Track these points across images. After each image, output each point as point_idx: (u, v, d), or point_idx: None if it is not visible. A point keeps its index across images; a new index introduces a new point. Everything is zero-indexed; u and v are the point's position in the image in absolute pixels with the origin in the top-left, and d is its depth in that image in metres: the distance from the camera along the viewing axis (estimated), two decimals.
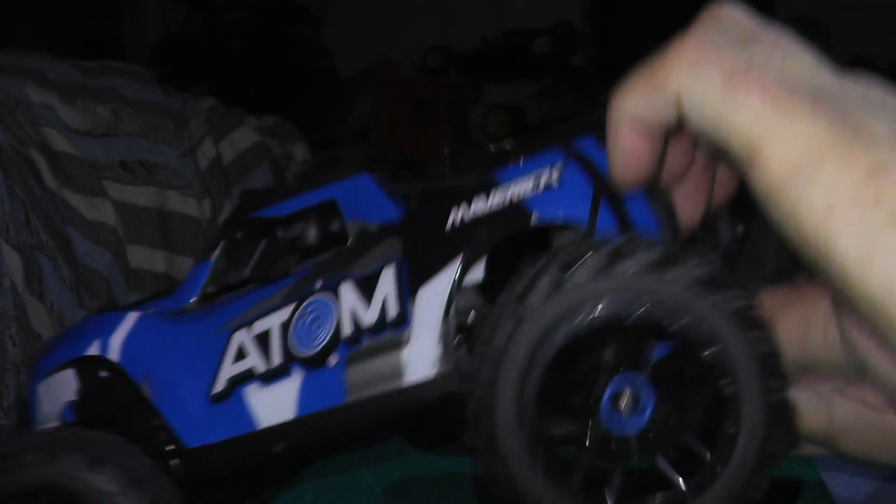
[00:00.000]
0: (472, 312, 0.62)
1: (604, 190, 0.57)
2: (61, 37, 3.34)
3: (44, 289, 1.29)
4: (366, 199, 0.64)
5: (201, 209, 1.73)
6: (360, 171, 0.65)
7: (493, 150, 1.08)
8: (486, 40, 3.40)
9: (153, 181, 1.65)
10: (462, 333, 0.61)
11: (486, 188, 0.59)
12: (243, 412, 0.62)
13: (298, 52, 3.51)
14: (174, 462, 0.65)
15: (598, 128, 0.57)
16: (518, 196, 0.58)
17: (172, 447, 0.64)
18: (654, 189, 0.56)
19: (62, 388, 0.69)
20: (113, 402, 0.69)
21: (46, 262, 1.32)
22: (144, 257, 1.60)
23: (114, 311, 0.68)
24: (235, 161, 1.91)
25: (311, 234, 0.69)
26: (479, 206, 0.59)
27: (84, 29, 3.56)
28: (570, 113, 2.85)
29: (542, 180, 0.58)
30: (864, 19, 3.02)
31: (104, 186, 1.54)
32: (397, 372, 0.59)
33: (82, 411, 0.69)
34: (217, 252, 0.67)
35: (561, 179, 0.58)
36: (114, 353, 0.65)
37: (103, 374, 0.68)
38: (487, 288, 0.62)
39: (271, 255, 0.70)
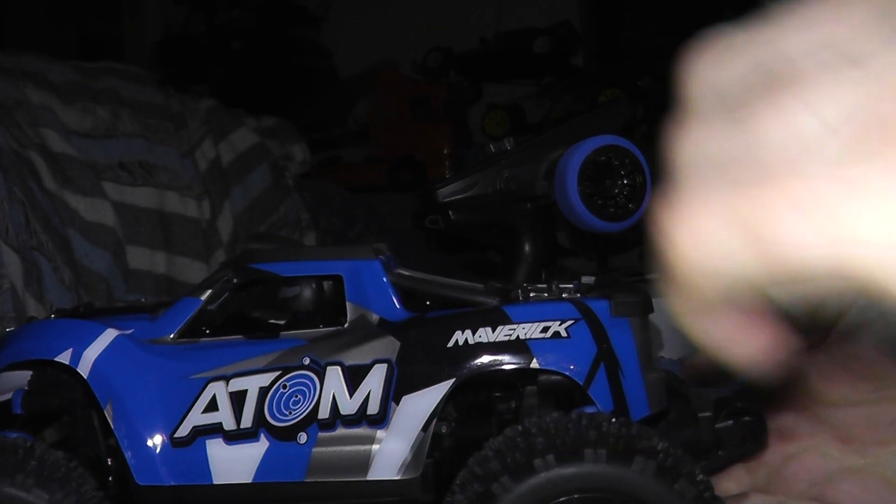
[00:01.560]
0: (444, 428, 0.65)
1: (605, 357, 0.61)
2: (61, 37, 3.34)
3: (43, 290, 1.29)
4: (373, 288, 0.66)
5: (200, 210, 1.73)
6: (373, 257, 0.66)
7: (493, 149, 1.08)
8: (485, 40, 3.40)
9: (152, 182, 1.65)
10: (436, 450, 0.64)
11: (495, 320, 0.62)
12: (202, 464, 0.63)
13: (298, 52, 3.51)
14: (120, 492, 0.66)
15: (613, 295, 0.62)
16: (525, 336, 0.61)
17: (123, 477, 0.65)
18: None
19: (18, 381, 0.70)
20: (70, 419, 0.71)
21: (46, 263, 1.32)
22: (144, 258, 1.60)
23: (92, 322, 0.67)
24: (235, 162, 1.91)
25: (308, 301, 0.70)
26: (485, 334, 0.62)
27: (84, 29, 3.56)
28: (570, 113, 2.85)
29: (552, 330, 0.61)
30: None
31: (103, 187, 1.54)
32: (363, 466, 0.62)
33: (32, 406, 0.70)
34: (209, 293, 0.67)
35: (570, 335, 0.61)
36: (84, 368, 0.65)
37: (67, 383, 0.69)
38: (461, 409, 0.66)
39: (261, 308, 0.71)
